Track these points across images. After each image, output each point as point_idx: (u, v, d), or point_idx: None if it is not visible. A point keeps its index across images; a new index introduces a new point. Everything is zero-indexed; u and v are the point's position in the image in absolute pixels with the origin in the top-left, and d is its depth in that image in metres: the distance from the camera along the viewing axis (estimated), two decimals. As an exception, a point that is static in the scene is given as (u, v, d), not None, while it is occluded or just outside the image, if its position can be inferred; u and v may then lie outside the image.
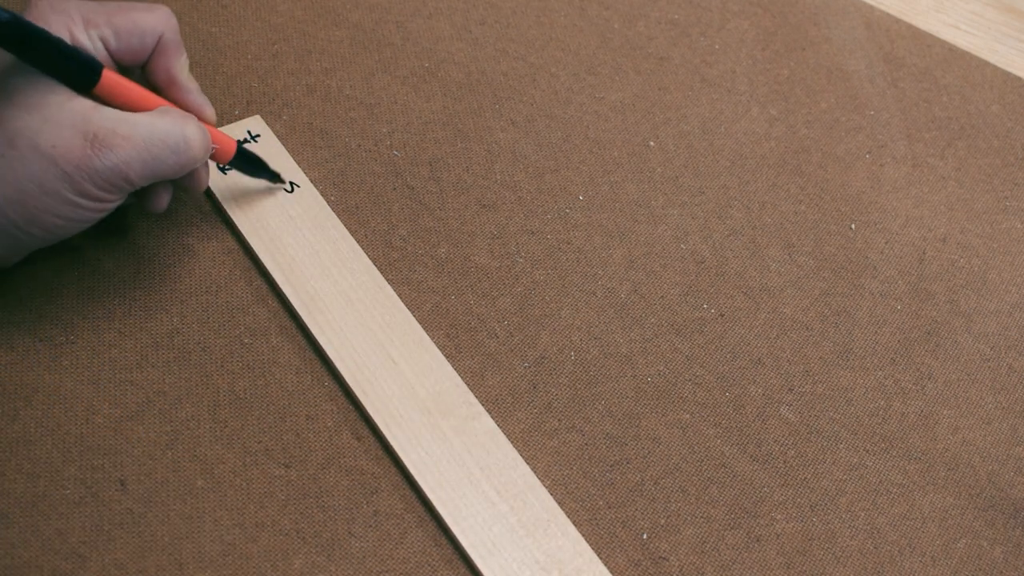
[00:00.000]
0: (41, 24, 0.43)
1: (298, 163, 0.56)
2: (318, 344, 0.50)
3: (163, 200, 0.49)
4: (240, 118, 0.57)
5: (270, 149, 0.56)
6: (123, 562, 0.43)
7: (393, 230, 0.55)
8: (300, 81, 0.60)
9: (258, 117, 0.57)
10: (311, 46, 0.61)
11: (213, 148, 0.48)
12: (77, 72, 0.43)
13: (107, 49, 0.46)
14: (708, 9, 0.68)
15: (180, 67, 0.48)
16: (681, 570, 0.47)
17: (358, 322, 0.50)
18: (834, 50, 0.68)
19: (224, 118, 0.57)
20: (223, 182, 0.54)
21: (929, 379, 0.54)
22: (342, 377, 0.49)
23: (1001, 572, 0.49)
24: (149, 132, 0.44)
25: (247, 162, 0.52)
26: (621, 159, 0.60)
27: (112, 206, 0.45)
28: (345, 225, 0.54)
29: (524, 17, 0.65)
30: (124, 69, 0.47)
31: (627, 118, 0.62)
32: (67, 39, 0.44)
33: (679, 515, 0.48)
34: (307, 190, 0.54)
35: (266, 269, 0.51)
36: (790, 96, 0.65)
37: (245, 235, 0.52)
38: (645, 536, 0.47)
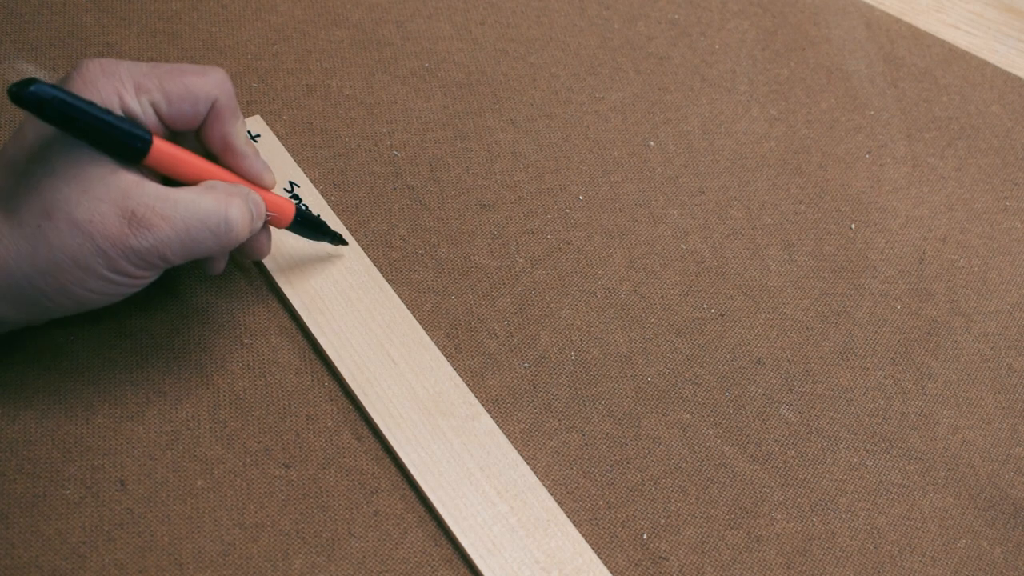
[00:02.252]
0: (90, 88, 0.42)
1: (298, 163, 0.56)
2: (318, 344, 0.50)
3: (220, 264, 0.48)
4: (240, 118, 0.57)
5: (270, 149, 0.56)
6: (123, 562, 0.43)
7: (393, 230, 0.55)
8: (300, 81, 0.60)
9: (258, 117, 0.57)
10: (311, 46, 0.61)
11: (269, 216, 0.47)
12: (125, 145, 0.41)
13: (158, 115, 0.44)
14: (708, 9, 0.68)
15: (236, 133, 0.45)
16: (681, 570, 0.47)
17: (358, 322, 0.50)
18: (834, 50, 0.68)
19: (224, 118, 0.57)
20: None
21: (929, 379, 0.54)
22: (342, 377, 0.49)
23: (1001, 572, 0.49)
24: (189, 213, 0.42)
25: (307, 226, 0.50)
26: (621, 159, 0.60)
27: (147, 281, 0.44)
28: (345, 225, 0.54)
29: (524, 17, 0.65)
30: (176, 133, 0.46)
31: (627, 118, 0.62)
32: (116, 105, 0.42)
33: (679, 515, 0.48)
34: (307, 190, 0.54)
35: (265, 268, 0.51)
36: (790, 96, 0.65)
37: (245, 235, 0.52)
38: (645, 536, 0.47)
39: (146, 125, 0.43)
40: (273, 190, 0.48)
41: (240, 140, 0.46)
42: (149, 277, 0.44)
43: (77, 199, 0.41)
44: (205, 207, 0.43)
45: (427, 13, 0.64)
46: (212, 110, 0.45)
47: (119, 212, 0.41)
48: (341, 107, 0.59)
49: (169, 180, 0.44)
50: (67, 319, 0.49)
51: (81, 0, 0.61)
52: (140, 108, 0.43)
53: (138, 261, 0.42)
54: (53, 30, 0.58)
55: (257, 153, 0.47)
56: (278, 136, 0.57)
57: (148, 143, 0.42)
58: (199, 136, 0.46)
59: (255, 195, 0.45)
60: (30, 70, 0.56)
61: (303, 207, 0.49)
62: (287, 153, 0.56)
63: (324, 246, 0.52)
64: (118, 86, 0.42)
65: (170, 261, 0.43)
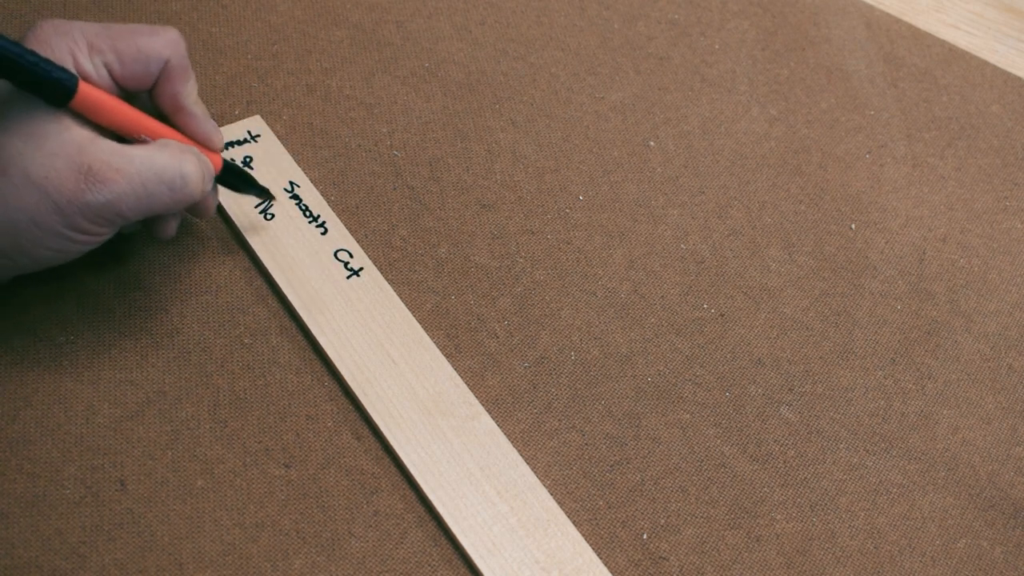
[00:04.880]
0: (44, 48, 0.42)
1: (298, 163, 0.56)
2: (318, 344, 0.50)
3: (171, 227, 0.48)
4: (240, 118, 0.57)
5: (270, 149, 0.56)
6: (123, 562, 0.44)
7: (393, 230, 0.55)
8: (300, 81, 0.60)
9: (258, 117, 0.57)
10: (311, 46, 0.61)
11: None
12: (53, 85, 0.42)
13: (111, 75, 0.44)
14: (708, 9, 0.68)
15: (186, 93, 0.46)
16: (681, 570, 0.47)
17: (358, 322, 0.50)
18: (834, 50, 0.68)
19: (224, 118, 0.57)
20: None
21: (929, 379, 0.54)
22: (342, 377, 0.49)
23: (1001, 572, 0.49)
24: (145, 167, 0.43)
25: (236, 177, 0.50)
26: (621, 159, 0.60)
27: (103, 239, 0.44)
28: (345, 225, 0.54)
29: (524, 17, 0.65)
30: (130, 94, 0.46)
31: (627, 118, 0.62)
32: (71, 64, 0.43)
33: (679, 515, 0.48)
34: (307, 190, 0.54)
35: (266, 269, 0.51)
36: (790, 96, 0.65)
37: (245, 235, 0.52)
38: (645, 536, 0.47)
39: (100, 84, 0.44)
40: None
41: (190, 100, 0.46)
42: (105, 235, 0.44)
43: (32, 154, 0.41)
44: (161, 161, 0.43)
45: (427, 13, 0.64)
46: (164, 70, 0.45)
47: (75, 167, 0.41)
48: (341, 107, 0.59)
49: (124, 142, 0.45)
50: (66, 318, 0.49)
51: (81, 0, 0.61)
52: (93, 68, 0.44)
53: (94, 217, 0.42)
54: (53, 30, 0.58)
55: (207, 114, 0.47)
56: (278, 136, 0.57)
57: (75, 82, 0.42)
58: (151, 96, 0.46)
59: (203, 156, 0.46)
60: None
61: (230, 160, 0.51)
62: (287, 153, 0.56)
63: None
64: (72, 46, 0.43)
65: (126, 217, 0.43)
